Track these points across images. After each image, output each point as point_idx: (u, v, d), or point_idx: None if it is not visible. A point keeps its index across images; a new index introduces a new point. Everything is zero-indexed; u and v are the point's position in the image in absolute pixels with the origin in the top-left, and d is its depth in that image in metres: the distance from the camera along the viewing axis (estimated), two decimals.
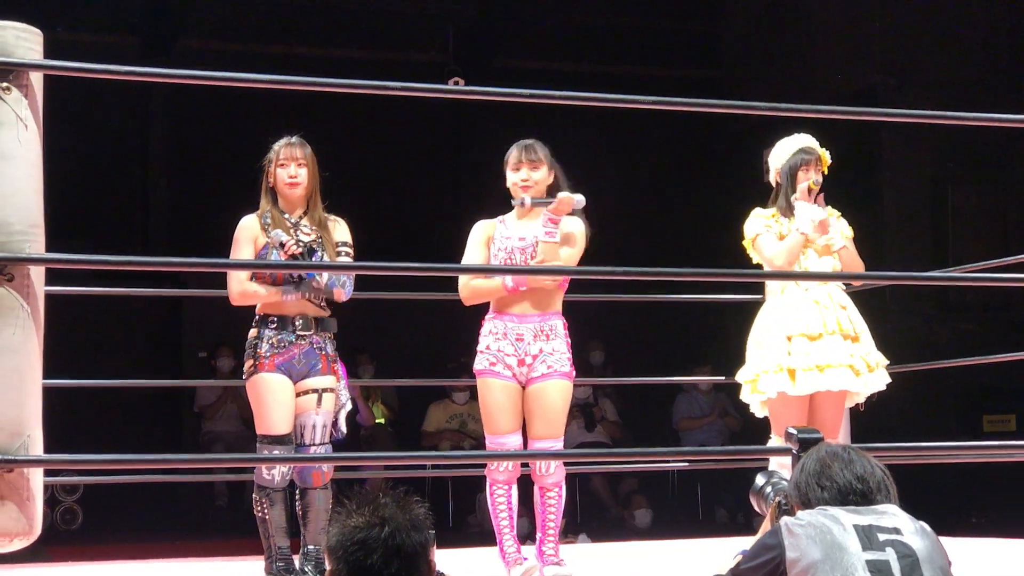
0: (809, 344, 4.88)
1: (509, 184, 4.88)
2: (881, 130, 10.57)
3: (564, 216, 4.80)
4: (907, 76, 10.54)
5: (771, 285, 5.13)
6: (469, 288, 4.85)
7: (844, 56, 10.95)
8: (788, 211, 5.06)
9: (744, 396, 5.09)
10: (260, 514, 4.73)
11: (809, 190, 5.01)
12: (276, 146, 4.84)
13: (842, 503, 2.73)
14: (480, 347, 4.84)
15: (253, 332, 4.77)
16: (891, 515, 2.71)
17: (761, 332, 5.00)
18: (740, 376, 5.07)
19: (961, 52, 10.71)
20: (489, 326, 4.84)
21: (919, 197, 10.79)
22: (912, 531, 2.69)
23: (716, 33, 12.20)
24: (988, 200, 10.88)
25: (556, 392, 4.77)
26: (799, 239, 4.96)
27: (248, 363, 4.75)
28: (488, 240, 4.89)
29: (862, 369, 4.92)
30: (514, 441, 4.77)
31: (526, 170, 4.84)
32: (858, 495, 2.73)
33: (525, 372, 4.77)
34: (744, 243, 5.12)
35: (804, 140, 5.11)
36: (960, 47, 10.72)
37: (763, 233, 5.03)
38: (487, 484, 4.84)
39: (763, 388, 4.93)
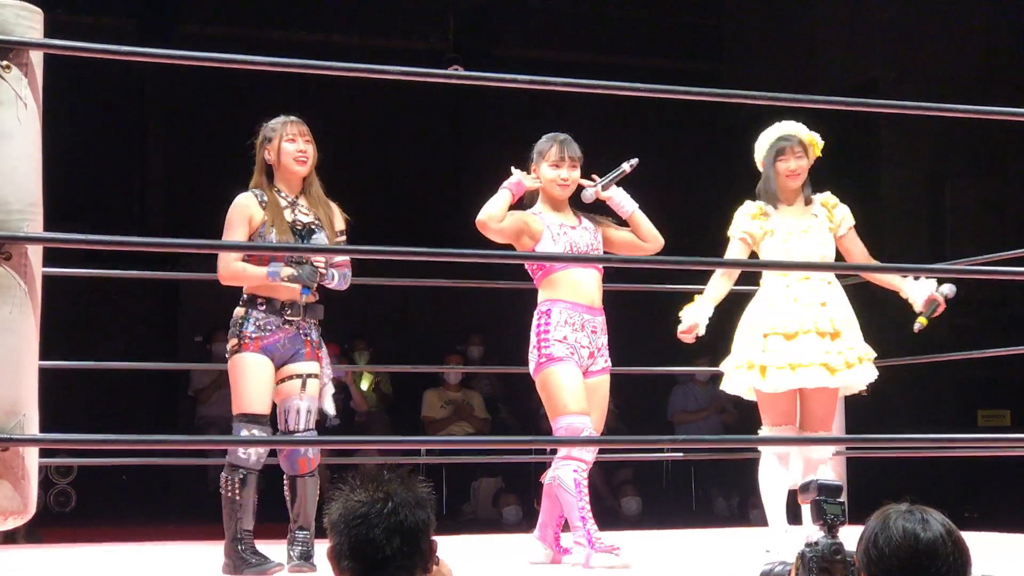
0: (784, 343, 4.88)
1: (544, 177, 4.93)
2: (880, 125, 10.57)
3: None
4: (907, 70, 10.54)
5: (759, 277, 5.14)
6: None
7: (845, 49, 10.95)
8: (772, 199, 5.02)
9: (723, 385, 5.12)
10: (229, 494, 4.64)
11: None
12: (277, 123, 4.78)
13: None
14: (555, 336, 4.83)
15: (240, 311, 4.75)
16: None
17: (743, 327, 5.02)
18: (723, 366, 5.10)
19: (961, 46, 10.70)
20: (563, 316, 4.86)
21: (917, 191, 10.79)
22: None
23: (717, 25, 12.20)
24: (986, 195, 10.88)
25: (607, 389, 4.95)
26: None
27: (232, 342, 4.74)
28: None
29: (839, 366, 4.88)
30: (590, 422, 4.80)
31: (567, 169, 4.93)
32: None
33: (588, 363, 4.89)
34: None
35: (785, 127, 5.04)
36: (960, 41, 10.71)
37: (734, 236, 5.01)
38: (571, 469, 4.76)
39: (733, 383, 4.99)
